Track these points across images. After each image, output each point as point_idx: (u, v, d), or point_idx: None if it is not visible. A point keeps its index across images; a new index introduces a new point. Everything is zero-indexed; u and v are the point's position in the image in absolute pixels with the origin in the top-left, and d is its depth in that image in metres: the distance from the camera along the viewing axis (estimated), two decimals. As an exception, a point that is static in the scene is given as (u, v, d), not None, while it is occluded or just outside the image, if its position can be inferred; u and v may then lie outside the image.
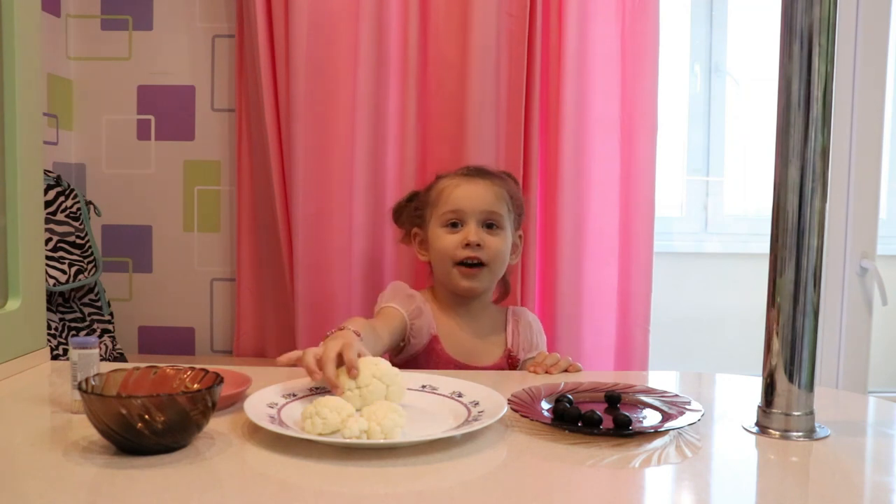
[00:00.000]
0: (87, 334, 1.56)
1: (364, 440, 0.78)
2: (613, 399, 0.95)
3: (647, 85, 1.62)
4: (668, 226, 1.98)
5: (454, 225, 1.33)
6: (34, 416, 0.90)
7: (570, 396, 0.92)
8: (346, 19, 1.61)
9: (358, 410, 0.84)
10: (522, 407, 0.89)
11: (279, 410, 0.87)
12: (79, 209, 1.59)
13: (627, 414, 0.84)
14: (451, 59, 1.62)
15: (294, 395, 0.92)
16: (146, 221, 1.81)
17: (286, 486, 0.71)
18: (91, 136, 1.80)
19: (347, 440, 0.77)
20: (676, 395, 0.95)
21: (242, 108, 1.72)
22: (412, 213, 1.42)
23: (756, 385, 0.91)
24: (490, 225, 1.33)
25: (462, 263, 1.31)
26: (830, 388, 1.75)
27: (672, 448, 0.81)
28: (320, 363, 0.90)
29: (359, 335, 1.02)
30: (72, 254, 1.54)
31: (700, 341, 2.00)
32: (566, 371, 1.17)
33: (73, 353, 0.89)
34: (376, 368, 0.90)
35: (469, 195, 1.33)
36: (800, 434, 0.85)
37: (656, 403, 0.93)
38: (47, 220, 1.46)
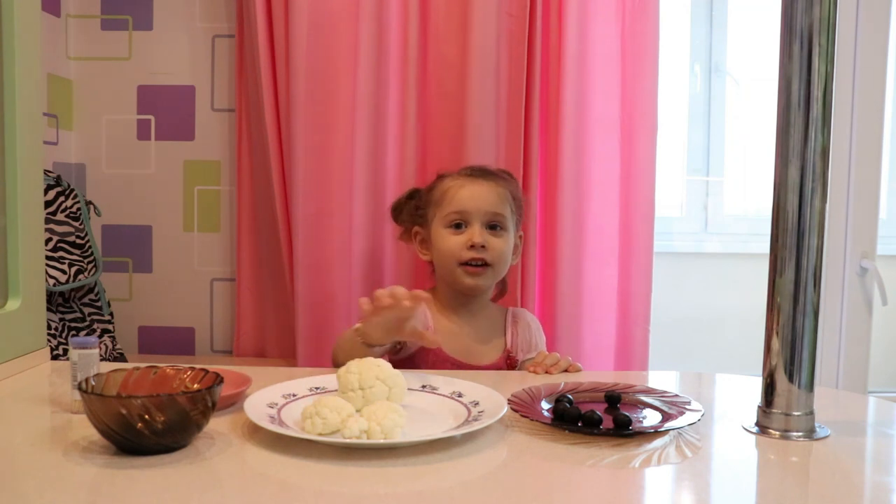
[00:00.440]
0: (87, 334, 1.56)
1: (364, 440, 0.77)
2: (613, 399, 0.95)
3: (647, 85, 1.62)
4: (668, 226, 1.98)
5: (458, 226, 1.33)
6: (34, 416, 0.90)
7: (570, 396, 0.92)
8: (346, 19, 1.61)
9: (358, 411, 0.84)
10: (522, 407, 0.89)
11: (279, 410, 0.87)
12: (79, 209, 1.59)
13: (627, 414, 0.84)
14: (451, 59, 1.61)
15: (294, 395, 0.92)
16: (146, 221, 1.81)
17: (286, 486, 0.71)
18: (91, 136, 1.80)
19: (347, 440, 0.77)
20: (676, 395, 0.95)
21: (242, 108, 1.72)
22: (413, 211, 1.42)
23: (756, 385, 0.91)
24: (494, 226, 1.33)
25: (466, 264, 1.31)
26: (830, 388, 1.75)
27: (672, 448, 0.81)
28: (392, 295, 0.99)
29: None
30: (72, 254, 1.54)
31: (700, 341, 2.00)
32: (566, 371, 1.17)
33: (73, 353, 0.89)
34: (379, 370, 0.90)
35: (473, 196, 1.32)
36: (800, 434, 0.85)
37: (656, 403, 0.93)
38: (47, 220, 1.46)
